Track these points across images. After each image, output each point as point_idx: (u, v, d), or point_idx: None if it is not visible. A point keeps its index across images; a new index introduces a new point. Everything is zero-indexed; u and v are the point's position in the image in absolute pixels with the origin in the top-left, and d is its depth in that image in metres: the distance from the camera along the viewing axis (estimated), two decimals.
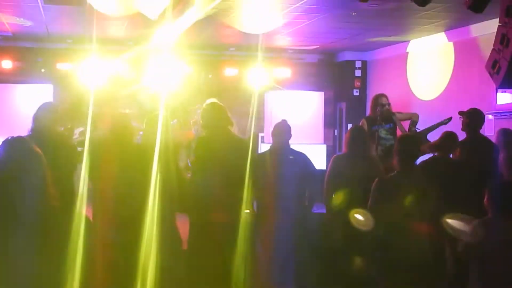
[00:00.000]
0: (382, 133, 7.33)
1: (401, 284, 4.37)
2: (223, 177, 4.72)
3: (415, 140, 4.64)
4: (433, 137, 7.24)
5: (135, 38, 9.53)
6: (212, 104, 5.11)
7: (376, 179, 4.49)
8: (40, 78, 9.77)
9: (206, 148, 4.88)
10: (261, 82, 10.82)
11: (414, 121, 7.79)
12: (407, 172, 4.41)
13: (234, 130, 5.11)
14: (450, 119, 7.15)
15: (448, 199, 5.26)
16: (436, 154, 5.56)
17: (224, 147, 4.82)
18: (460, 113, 6.12)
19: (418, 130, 7.58)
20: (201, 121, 5.03)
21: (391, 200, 4.35)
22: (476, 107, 6.36)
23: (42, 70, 9.93)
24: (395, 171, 4.46)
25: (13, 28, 8.84)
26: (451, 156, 5.74)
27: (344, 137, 5.73)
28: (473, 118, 5.94)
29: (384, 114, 7.36)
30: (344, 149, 5.63)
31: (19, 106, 7.78)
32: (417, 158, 4.69)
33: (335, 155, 5.81)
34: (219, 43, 10.01)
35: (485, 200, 4.17)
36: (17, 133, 2.91)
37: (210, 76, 10.61)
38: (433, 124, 7.36)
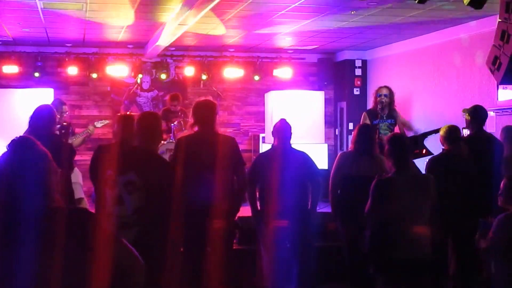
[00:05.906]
0: (382, 128, 7.39)
1: (400, 282, 4.36)
2: (210, 173, 4.69)
3: (403, 140, 4.63)
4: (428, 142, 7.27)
5: (134, 41, 9.53)
6: (205, 100, 5.06)
7: (375, 180, 4.48)
8: (40, 83, 9.77)
9: (194, 145, 4.81)
10: (261, 83, 10.86)
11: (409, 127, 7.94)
12: (404, 172, 4.40)
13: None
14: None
15: (457, 193, 5.27)
16: (445, 149, 5.56)
17: (213, 143, 4.78)
18: (464, 110, 6.09)
19: (415, 134, 7.63)
20: (192, 117, 4.92)
21: (391, 200, 4.34)
22: (478, 103, 6.34)
23: (42, 75, 9.93)
24: (393, 172, 4.45)
25: (13, 33, 8.84)
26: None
27: (352, 135, 5.73)
28: (476, 115, 5.91)
29: (383, 105, 7.42)
30: (351, 146, 5.66)
31: (19, 110, 7.76)
32: (409, 156, 4.69)
33: (341, 152, 5.82)
34: (219, 44, 9.99)
35: (501, 194, 4.20)
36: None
37: (206, 77, 10.57)
38: (429, 130, 7.33)
